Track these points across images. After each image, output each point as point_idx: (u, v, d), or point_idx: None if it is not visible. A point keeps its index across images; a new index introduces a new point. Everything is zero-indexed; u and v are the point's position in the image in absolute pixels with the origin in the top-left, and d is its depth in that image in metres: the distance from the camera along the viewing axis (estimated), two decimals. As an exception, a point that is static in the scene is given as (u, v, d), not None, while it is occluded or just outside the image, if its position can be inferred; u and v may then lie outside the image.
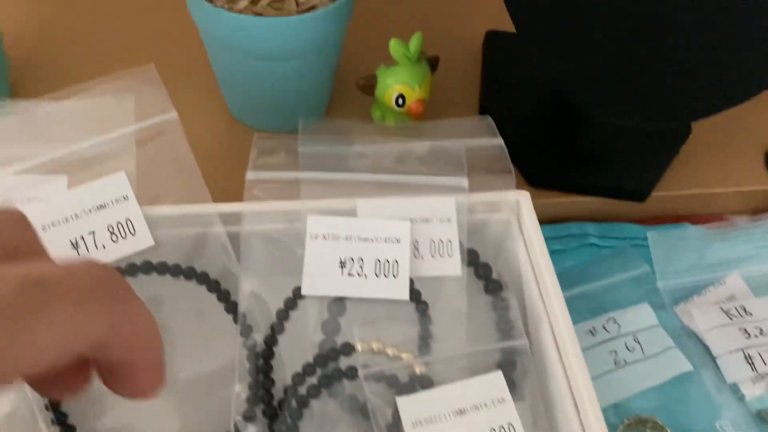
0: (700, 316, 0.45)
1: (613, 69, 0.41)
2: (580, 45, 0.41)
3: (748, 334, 0.44)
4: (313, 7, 0.43)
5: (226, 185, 0.41)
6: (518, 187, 0.49)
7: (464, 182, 0.41)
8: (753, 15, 0.38)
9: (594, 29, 0.40)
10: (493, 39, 0.59)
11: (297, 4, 0.43)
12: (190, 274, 0.39)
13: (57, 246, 0.37)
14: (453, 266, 0.39)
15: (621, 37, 0.40)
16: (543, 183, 0.50)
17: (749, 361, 0.42)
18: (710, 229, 0.50)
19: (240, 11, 0.42)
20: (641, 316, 0.45)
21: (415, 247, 0.39)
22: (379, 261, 0.38)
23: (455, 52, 0.59)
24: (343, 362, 0.37)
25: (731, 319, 0.45)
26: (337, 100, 0.54)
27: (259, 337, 0.38)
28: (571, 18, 0.41)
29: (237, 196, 0.41)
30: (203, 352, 0.39)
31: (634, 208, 0.51)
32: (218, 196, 0.41)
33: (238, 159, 0.48)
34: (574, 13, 0.40)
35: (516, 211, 0.42)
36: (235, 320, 0.38)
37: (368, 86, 0.49)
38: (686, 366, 0.42)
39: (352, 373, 0.37)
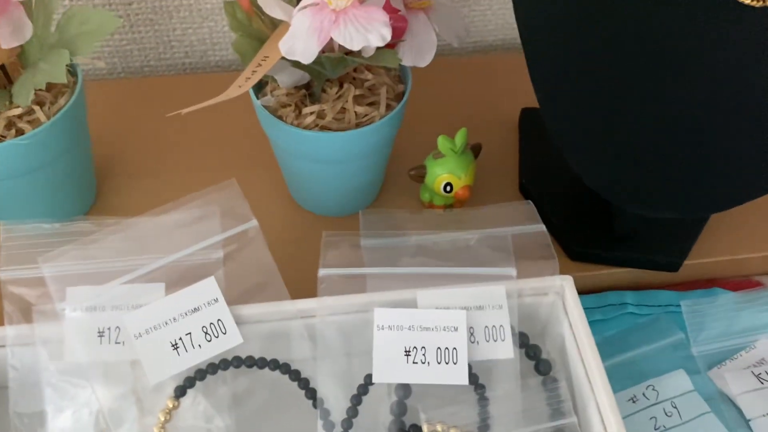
0: (733, 381, 0.49)
1: (642, 168, 0.45)
2: (606, 141, 0.46)
3: (779, 397, 0.48)
4: (370, 119, 0.49)
5: (296, 264, 0.48)
6: (560, 260, 0.55)
7: (513, 271, 0.46)
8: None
9: (622, 130, 0.45)
10: (528, 116, 0.64)
11: (356, 115, 0.49)
12: (274, 365, 0.44)
13: (159, 347, 0.42)
14: (506, 349, 0.44)
15: (649, 134, 0.44)
16: (582, 258, 0.54)
17: (780, 424, 0.46)
18: (742, 294, 0.54)
19: (307, 126, 0.48)
20: (678, 382, 0.49)
21: (471, 333, 0.44)
22: (440, 349, 0.43)
23: (494, 132, 0.64)
24: (412, 442, 0.42)
25: (762, 383, 0.48)
26: (390, 183, 0.59)
27: (336, 419, 0.43)
28: (597, 114, 0.45)
29: (306, 275, 0.47)
30: (288, 434, 0.44)
31: (669, 275, 0.56)
32: (287, 274, 0.46)
33: (304, 242, 0.54)
34: (600, 110, 0.45)
35: (561, 295, 0.47)
36: (314, 405, 0.43)
37: (419, 176, 0.54)
38: (722, 430, 0.46)
39: (420, 452, 0.41)
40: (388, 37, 0.40)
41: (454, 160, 0.53)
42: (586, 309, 0.53)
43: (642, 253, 0.54)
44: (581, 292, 0.55)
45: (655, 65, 0.41)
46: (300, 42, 0.41)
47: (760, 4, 0.38)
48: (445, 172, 0.53)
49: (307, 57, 0.41)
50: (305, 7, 0.42)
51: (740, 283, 0.57)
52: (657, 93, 0.42)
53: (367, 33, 0.40)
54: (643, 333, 0.52)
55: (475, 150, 0.56)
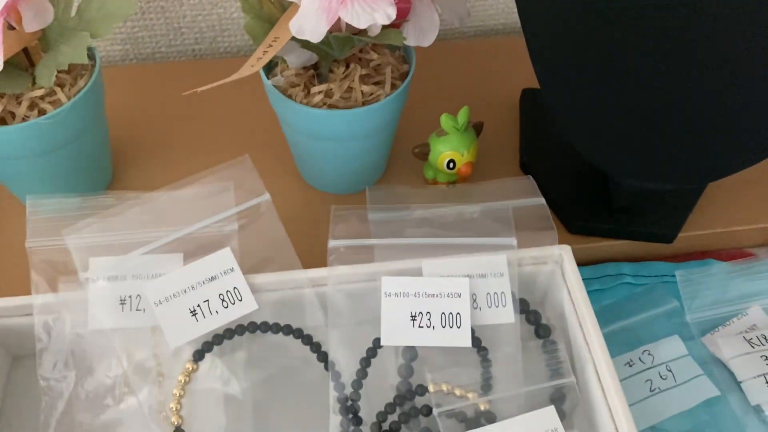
0: (726, 346, 0.51)
1: (637, 141, 0.47)
2: (604, 115, 0.48)
3: (769, 360, 0.50)
4: (376, 97, 0.51)
5: (306, 238, 0.50)
6: (559, 235, 0.57)
7: (513, 241, 0.48)
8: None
9: (618, 104, 0.47)
10: (528, 96, 0.66)
11: (362, 93, 0.51)
12: (287, 330, 0.46)
13: (178, 314, 0.44)
14: (507, 315, 0.46)
15: (644, 107, 0.46)
16: (581, 230, 0.57)
17: (770, 385, 0.48)
18: (734, 264, 0.56)
19: (315, 105, 0.50)
20: (672, 347, 0.51)
21: (474, 299, 0.46)
22: (444, 314, 0.45)
23: (496, 112, 0.66)
24: (419, 401, 0.45)
25: (753, 347, 0.51)
26: (395, 161, 0.61)
27: (346, 381, 0.45)
28: (595, 89, 0.47)
29: (316, 248, 0.49)
30: (301, 395, 0.46)
31: (665, 248, 0.58)
32: (297, 248, 0.48)
33: (313, 218, 0.56)
34: (599, 85, 0.47)
35: (560, 263, 0.49)
36: (326, 368, 0.45)
37: (423, 153, 0.57)
38: (714, 391, 0.48)
39: (426, 411, 0.44)
40: (393, 16, 0.42)
41: (456, 138, 0.55)
42: (585, 279, 0.56)
43: (638, 226, 0.56)
44: (580, 263, 0.57)
45: (651, 41, 0.43)
46: (309, 21, 0.43)
47: (746, -19, 0.40)
48: (448, 150, 0.55)
49: (316, 36, 0.43)
50: (314, -12, 0.44)
51: (734, 254, 0.59)
52: (652, 68, 0.44)
53: (374, 12, 0.42)
54: (640, 302, 0.54)
55: (477, 128, 0.58)
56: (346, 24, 0.45)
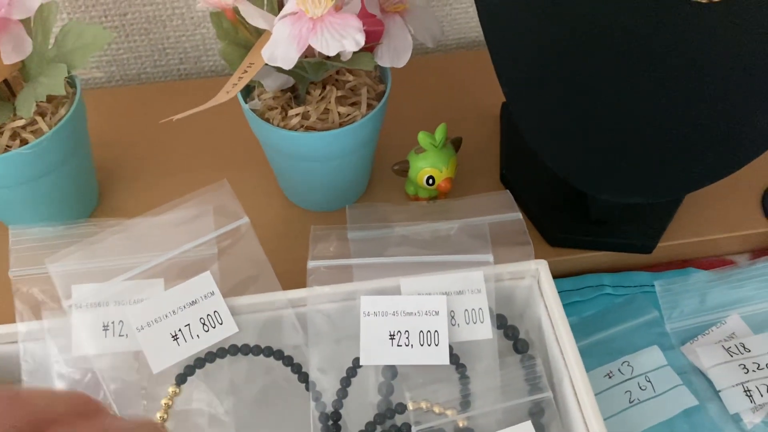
0: (705, 355, 0.52)
1: (608, 157, 0.48)
2: (571, 132, 0.48)
3: (747, 369, 0.50)
4: (353, 118, 0.52)
5: (287, 257, 0.51)
6: (540, 247, 0.57)
7: (490, 257, 0.49)
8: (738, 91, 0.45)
9: (587, 121, 0.47)
10: (508, 110, 0.66)
11: (339, 115, 0.52)
12: (268, 352, 0.47)
13: (160, 339, 0.45)
14: (485, 331, 0.47)
15: (613, 124, 0.47)
16: (561, 243, 0.57)
17: (748, 394, 0.49)
18: (713, 273, 0.57)
19: (292, 128, 0.51)
20: (651, 357, 0.52)
21: (451, 316, 0.47)
22: (422, 332, 0.46)
23: (477, 125, 0.67)
24: (399, 419, 0.45)
25: (732, 356, 0.51)
26: (378, 177, 0.62)
27: (327, 401, 0.46)
28: (561, 106, 0.47)
29: (299, 264, 0.49)
30: (283, 415, 0.47)
31: (645, 258, 0.58)
32: (279, 266, 0.49)
33: (296, 236, 0.57)
34: (564, 102, 0.47)
35: (537, 278, 0.49)
36: (307, 388, 0.46)
37: (402, 170, 0.57)
38: (692, 401, 0.49)
39: (406, 429, 0.44)
40: (362, 42, 0.43)
41: (435, 154, 0.56)
42: (565, 291, 0.57)
43: (617, 238, 0.56)
44: (561, 275, 0.58)
45: (616, 58, 0.44)
46: (281, 49, 0.44)
47: (707, 0, 0.40)
48: (427, 166, 0.56)
49: (288, 63, 0.44)
50: (285, 16, 0.44)
51: (713, 262, 0.60)
52: (618, 84, 0.45)
53: (342, 39, 0.43)
54: (620, 312, 0.55)
55: (456, 143, 0.58)
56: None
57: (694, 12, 0.42)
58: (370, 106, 0.53)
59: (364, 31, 0.45)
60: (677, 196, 0.57)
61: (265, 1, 0.49)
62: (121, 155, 0.65)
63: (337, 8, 0.45)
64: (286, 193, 0.61)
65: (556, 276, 0.57)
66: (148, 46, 0.73)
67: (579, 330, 0.54)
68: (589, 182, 0.50)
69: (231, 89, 0.46)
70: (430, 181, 0.56)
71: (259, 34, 0.49)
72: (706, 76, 0.44)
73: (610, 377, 0.51)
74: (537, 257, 0.49)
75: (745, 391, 0.49)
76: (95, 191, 0.61)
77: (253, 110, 0.52)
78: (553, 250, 0.58)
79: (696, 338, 0.53)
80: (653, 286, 0.56)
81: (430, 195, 0.59)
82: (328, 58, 0.47)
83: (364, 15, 0.48)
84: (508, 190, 0.53)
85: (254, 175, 0.62)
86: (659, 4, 0.42)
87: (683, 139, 0.47)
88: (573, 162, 0.49)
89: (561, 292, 0.56)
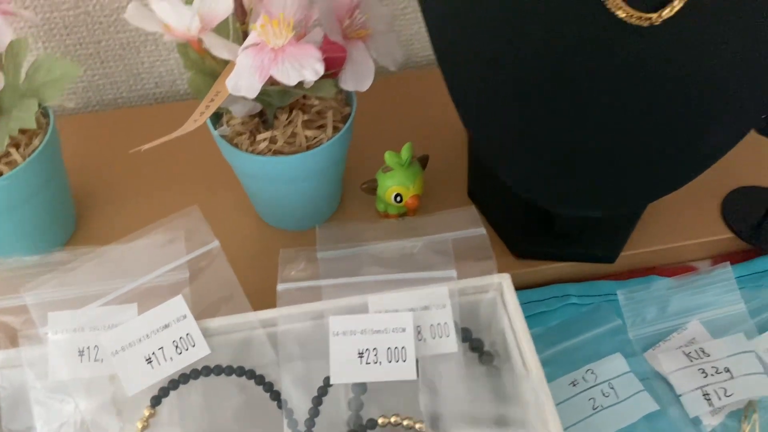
0: (666, 360, 0.53)
1: (562, 172, 0.49)
2: (523, 148, 0.50)
3: (706, 373, 0.52)
4: (319, 141, 0.53)
5: (259, 275, 0.52)
6: (506, 259, 0.59)
7: (453, 273, 0.50)
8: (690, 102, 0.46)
9: (539, 139, 0.49)
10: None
11: (306, 138, 0.53)
12: (240, 372, 0.48)
13: (134, 362, 0.46)
14: (450, 344, 0.48)
15: (565, 140, 0.49)
16: (527, 254, 0.59)
17: (707, 397, 0.51)
18: (674, 280, 0.58)
19: (260, 152, 0.52)
20: (614, 365, 0.53)
21: (418, 331, 0.48)
22: (390, 349, 0.48)
23: (446, 140, 0.68)
24: (369, 434, 0.47)
25: (692, 361, 0.53)
26: (350, 195, 0.64)
27: (300, 419, 0.47)
28: (512, 123, 0.49)
29: (272, 282, 0.51)
30: (256, 434, 0.49)
31: (609, 267, 0.60)
32: (252, 286, 0.50)
33: (269, 255, 0.58)
34: (516, 119, 0.48)
35: (500, 291, 0.51)
36: (280, 407, 0.47)
37: (371, 188, 0.59)
38: (654, 406, 0.50)
39: (376, 443, 0.46)
40: (321, 72, 0.44)
41: (401, 173, 0.57)
42: (531, 302, 0.58)
43: (580, 249, 0.58)
44: (528, 286, 0.59)
45: (568, 75, 0.46)
46: (244, 79, 0.45)
47: (648, 23, 0.42)
48: (394, 184, 0.58)
49: (251, 92, 0.45)
50: (248, 47, 0.46)
51: (676, 269, 0.61)
52: (570, 100, 0.46)
53: (302, 69, 0.44)
54: (584, 321, 0.56)
55: (422, 161, 0.60)
56: (281, 78, 0.47)
57: (645, 30, 0.44)
58: (336, 129, 0.55)
59: (327, 58, 0.47)
60: (634, 208, 0.59)
61: (231, 32, 0.50)
62: (99, 180, 0.67)
63: (300, 37, 0.47)
64: (260, 213, 0.62)
65: (523, 287, 0.59)
66: (123, 71, 0.75)
67: (545, 340, 0.55)
68: (546, 197, 0.51)
69: (198, 117, 0.48)
70: (398, 198, 0.58)
71: (225, 62, 0.51)
72: (658, 91, 0.46)
73: (574, 385, 0.53)
74: (504, 269, 0.51)
75: (704, 394, 0.51)
76: (72, 217, 0.62)
77: (223, 136, 0.54)
78: (520, 262, 0.59)
79: (658, 344, 0.55)
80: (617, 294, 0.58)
81: (399, 212, 0.60)
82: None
83: (327, 42, 0.50)
84: (473, 206, 0.54)
85: (229, 196, 0.64)
86: (611, 22, 0.44)
87: (636, 152, 0.48)
88: (528, 178, 0.50)
89: (527, 303, 0.58)
